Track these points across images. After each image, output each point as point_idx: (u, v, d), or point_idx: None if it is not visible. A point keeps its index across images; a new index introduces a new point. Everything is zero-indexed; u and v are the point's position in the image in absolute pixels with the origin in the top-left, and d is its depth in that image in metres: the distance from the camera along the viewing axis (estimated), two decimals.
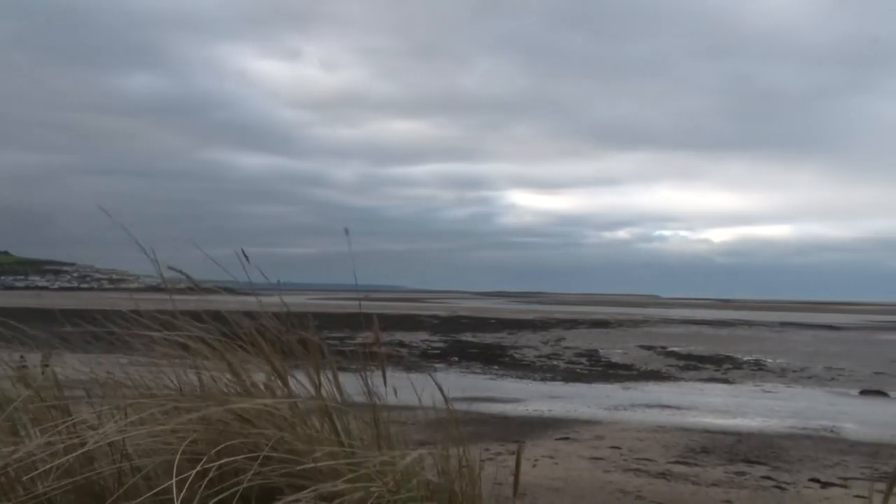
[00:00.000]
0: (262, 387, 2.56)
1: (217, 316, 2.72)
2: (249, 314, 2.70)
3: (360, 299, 3.01)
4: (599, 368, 24.16)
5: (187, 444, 2.22)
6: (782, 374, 23.79)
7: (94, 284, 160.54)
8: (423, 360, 25.09)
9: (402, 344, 30.81)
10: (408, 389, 2.84)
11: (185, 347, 2.62)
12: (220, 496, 2.13)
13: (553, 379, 21.00)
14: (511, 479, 2.68)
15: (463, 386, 18.20)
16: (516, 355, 27.73)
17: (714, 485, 8.19)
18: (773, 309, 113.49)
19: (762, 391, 19.38)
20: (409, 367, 2.94)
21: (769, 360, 27.78)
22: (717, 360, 27.21)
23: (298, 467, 2.20)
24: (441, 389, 2.60)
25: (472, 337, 36.68)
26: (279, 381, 2.55)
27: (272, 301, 2.81)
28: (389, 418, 2.64)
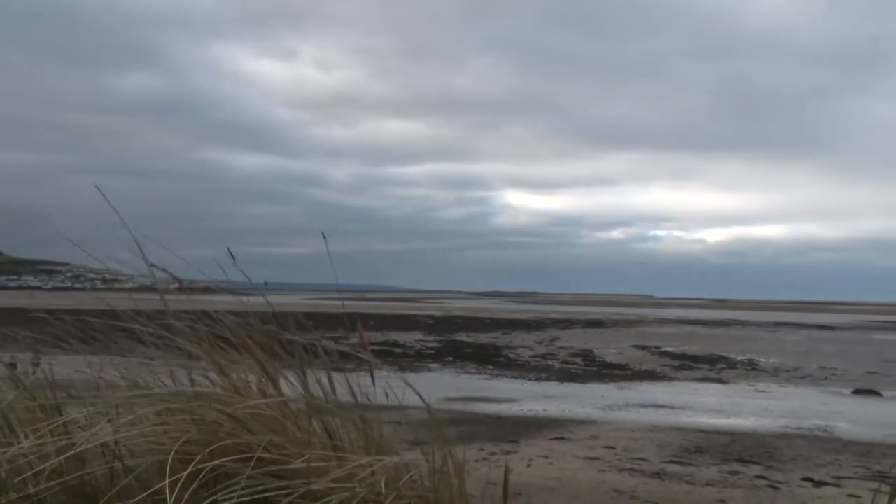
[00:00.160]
0: (253, 388, 2.55)
1: (209, 316, 2.71)
2: (241, 314, 2.69)
3: (341, 299, 3.00)
4: (594, 368, 24.18)
5: (180, 444, 2.22)
6: (776, 373, 23.86)
7: (88, 285, 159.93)
8: (417, 359, 25.08)
9: (397, 344, 30.79)
10: (402, 389, 2.84)
11: (177, 348, 2.61)
12: (213, 497, 2.12)
13: (548, 379, 21.01)
14: (504, 479, 2.68)
15: (457, 386, 18.20)
16: (511, 355, 27.74)
17: (708, 484, 8.21)
18: (767, 309, 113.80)
19: (756, 391, 19.42)
20: (404, 367, 2.92)
21: (763, 360, 27.85)
22: (712, 360, 27.27)
23: (288, 467, 2.20)
24: (419, 393, 2.59)
25: (466, 337, 36.68)
26: (270, 382, 2.54)
27: (263, 301, 2.80)
28: (381, 419, 2.64)
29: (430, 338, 35.35)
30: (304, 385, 2.58)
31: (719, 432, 12.32)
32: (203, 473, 2.11)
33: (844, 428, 13.25)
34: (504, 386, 19.23)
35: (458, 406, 14.14)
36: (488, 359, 26.06)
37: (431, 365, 23.74)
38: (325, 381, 2.62)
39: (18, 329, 2.96)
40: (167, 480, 2.00)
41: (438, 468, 2.51)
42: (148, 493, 2.10)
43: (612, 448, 10.31)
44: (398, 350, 28.36)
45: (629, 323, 55.91)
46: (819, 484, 8.47)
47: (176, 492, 2.00)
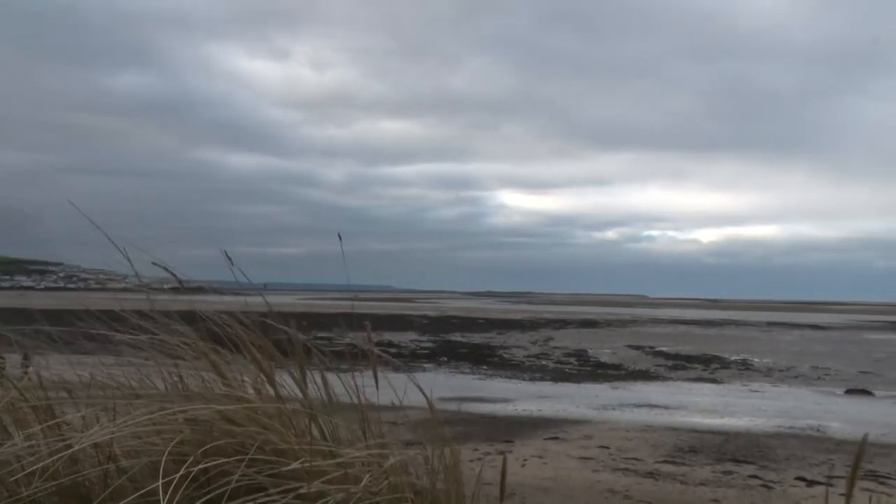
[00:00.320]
0: (248, 388, 2.54)
1: (204, 316, 2.70)
2: (236, 315, 2.68)
3: (352, 300, 2.99)
4: (588, 368, 24.21)
5: (173, 445, 2.21)
6: (769, 373, 23.93)
7: (81, 284, 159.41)
8: (412, 360, 25.07)
9: (391, 344, 30.78)
10: (398, 390, 2.83)
11: (171, 348, 2.60)
12: (207, 497, 2.11)
13: (542, 379, 21.03)
14: (500, 479, 2.67)
15: (452, 386, 18.20)
16: (505, 355, 27.75)
17: (702, 484, 8.23)
18: (760, 309, 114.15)
19: (749, 391, 19.48)
20: (398, 368, 2.92)
21: (756, 360, 27.93)
22: (705, 360, 27.33)
23: (284, 468, 2.19)
24: (423, 392, 2.59)
25: (461, 337, 36.68)
26: (265, 382, 2.53)
27: (259, 301, 2.79)
28: (378, 419, 2.63)
29: (425, 338, 35.34)
30: (300, 385, 2.57)
31: (713, 432, 12.35)
32: (197, 474, 2.11)
33: (837, 427, 13.29)
34: (498, 386, 19.24)
35: (452, 406, 14.14)
36: (483, 359, 26.07)
37: (426, 365, 23.74)
38: (320, 380, 2.61)
39: (11, 329, 2.94)
40: (160, 481, 1.99)
41: (436, 468, 2.51)
42: (141, 493, 2.09)
43: (607, 448, 10.32)
44: (393, 350, 28.35)
45: (623, 323, 56.00)
46: (812, 483, 8.50)
47: (169, 492, 1.99)
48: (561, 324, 51.52)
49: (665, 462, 9.50)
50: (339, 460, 2.27)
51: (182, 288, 2.75)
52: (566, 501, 7.16)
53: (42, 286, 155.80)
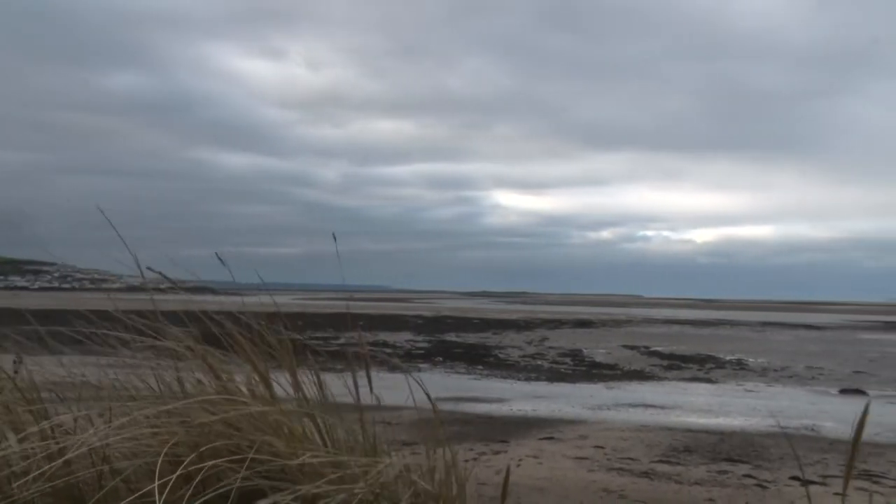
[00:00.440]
0: (244, 388, 2.54)
1: (199, 317, 2.69)
2: (231, 315, 2.67)
3: (347, 299, 2.98)
4: (583, 368, 24.23)
5: (169, 446, 2.20)
6: (764, 373, 23.99)
7: (76, 285, 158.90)
8: (407, 360, 25.05)
9: (386, 344, 30.75)
10: (393, 390, 2.83)
11: (165, 349, 2.59)
12: (203, 499, 2.11)
13: (537, 379, 21.04)
14: (495, 478, 2.67)
15: (447, 386, 18.19)
16: (500, 355, 27.76)
17: (697, 483, 8.24)
18: (754, 309, 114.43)
19: (744, 390, 19.52)
20: (394, 368, 2.91)
21: (751, 360, 28.00)
22: (700, 360, 27.39)
23: (281, 463, 2.18)
24: (426, 391, 2.58)
25: (456, 337, 36.67)
26: (261, 383, 2.53)
27: (255, 301, 2.79)
28: (374, 419, 2.62)
29: (420, 338, 35.32)
30: (296, 385, 2.56)
31: (708, 432, 12.37)
32: (192, 475, 2.10)
33: (831, 427, 13.33)
34: (494, 386, 19.24)
35: (448, 406, 14.14)
36: (478, 359, 26.07)
37: (421, 365, 23.73)
38: (316, 381, 2.61)
39: (3, 330, 2.93)
40: (156, 483, 1.98)
41: (437, 469, 2.50)
42: (136, 495, 2.08)
43: (602, 448, 10.33)
44: (388, 350, 28.32)
45: (618, 323, 56.07)
46: (806, 483, 8.52)
47: (165, 494, 1.98)
48: (556, 324, 51.55)
49: (660, 462, 9.51)
50: (336, 460, 2.26)
51: (177, 288, 2.74)
52: (561, 501, 7.16)
53: (36, 286, 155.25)
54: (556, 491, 7.53)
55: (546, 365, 24.96)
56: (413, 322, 48.84)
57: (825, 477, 8.86)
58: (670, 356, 28.70)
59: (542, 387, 19.19)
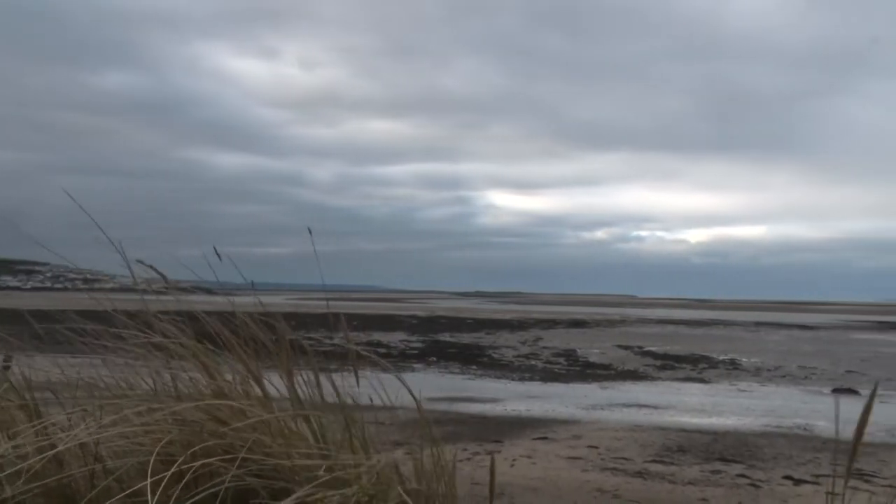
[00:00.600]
0: (237, 387, 2.53)
1: (192, 316, 2.68)
2: (225, 315, 2.66)
3: (326, 299, 2.98)
4: (577, 368, 24.26)
5: (162, 445, 2.20)
6: (757, 373, 24.06)
7: (68, 285, 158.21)
8: (401, 360, 25.04)
9: (380, 344, 30.73)
10: (387, 389, 2.83)
11: (159, 348, 2.59)
12: (195, 498, 2.10)
13: (531, 379, 21.06)
14: (489, 478, 2.67)
15: (441, 386, 18.19)
16: (494, 355, 27.77)
17: (690, 483, 8.26)
18: (748, 309, 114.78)
19: (737, 390, 19.58)
20: (387, 368, 2.91)
21: (744, 360, 28.08)
22: (694, 360, 27.45)
23: (273, 461, 2.18)
24: (410, 391, 2.58)
25: (450, 337, 36.67)
26: (253, 382, 2.53)
27: (248, 301, 2.78)
28: (367, 419, 2.62)
29: (414, 338, 35.31)
30: (289, 385, 2.56)
31: (701, 431, 12.40)
32: (185, 474, 2.09)
33: (824, 426, 13.38)
34: (487, 386, 19.24)
35: (441, 406, 14.14)
36: (472, 359, 26.07)
37: (415, 365, 23.72)
38: (309, 381, 2.61)
39: None
40: (148, 481, 1.98)
41: (426, 468, 2.50)
42: (127, 493, 2.08)
43: (595, 447, 10.35)
44: (381, 350, 28.29)
45: (612, 323, 56.15)
46: (799, 482, 8.55)
47: (158, 493, 1.98)
48: (550, 324, 51.59)
49: (654, 461, 9.53)
50: (330, 462, 2.26)
51: (171, 288, 2.74)
52: (555, 501, 7.17)
53: (29, 286, 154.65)
54: (549, 491, 7.54)
55: (540, 365, 24.98)
56: (407, 322, 48.81)
57: (818, 476, 8.90)
58: (664, 356, 28.76)
59: (536, 387, 19.21)
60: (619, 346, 33.09)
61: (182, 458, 2.09)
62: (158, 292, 2.74)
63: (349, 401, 2.63)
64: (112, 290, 3.09)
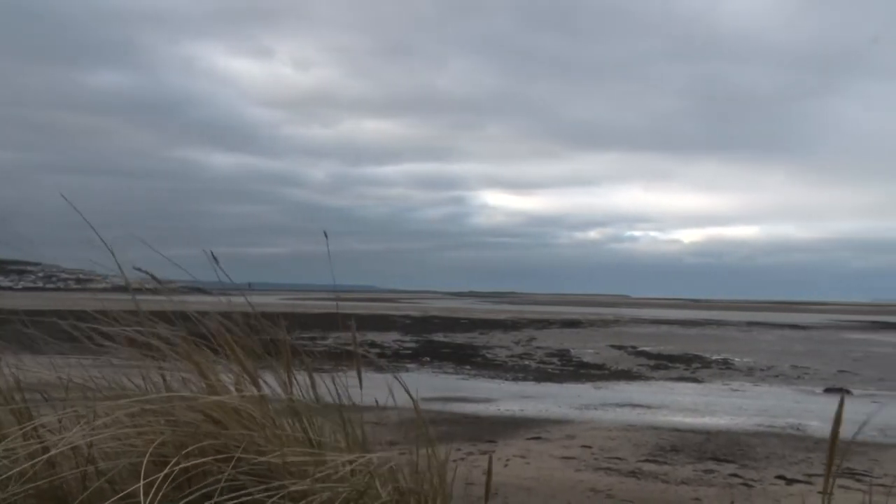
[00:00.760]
0: (231, 388, 2.52)
1: (186, 317, 2.67)
2: (219, 315, 2.65)
3: (335, 300, 2.98)
4: (571, 368, 24.28)
5: (155, 446, 2.19)
6: (750, 372, 24.13)
7: (61, 285, 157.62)
8: (395, 360, 25.02)
9: (374, 344, 30.70)
10: (381, 389, 2.83)
11: (152, 349, 2.57)
12: (188, 498, 2.09)
13: (524, 379, 21.07)
14: (483, 478, 2.67)
15: (435, 386, 18.19)
16: (488, 355, 27.78)
17: (683, 483, 8.28)
18: (741, 309, 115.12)
19: (730, 390, 19.63)
20: (381, 368, 2.90)
21: (737, 360, 28.16)
22: (687, 360, 27.52)
23: (265, 458, 2.17)
24: (409, 392, 2.58)
25: (443, 337, 36.66)
26: (249, 382, 2.52)
27: (242, 301, 2.77)
28: (361, 419, 2.62)
29: (408, 338, 35.30)
30: (284, 385, 2.55)
31: (694, 431, 12.43)
32: (178, 475, 2.09)
33: (816, 426, 13.43)
34: (481, 386, 19.25)
35: (435, 406, 14.13)
36: (466, 359, 26.07)
37: (409, 365, 23.71)
38: (304, 380, 2.60)
39: None
40: (141, 482, 1.97)
41: (420, 467, 2.50)
42: (120, 495, 2.07)
43: (589, 447, 10.37)
44: (375, 350, 28.27)
45: (605, 323, 56.24)
46: (791, 482, 8.58)
47: (151, 494, 1.97)
48: (544, 324, 51.64)
49: (647, 461, 9.55)
50: (323, 459, 2.26)
51: (165, 288, 2.72)
52: (549, 501, 7.18)
53: (20, 286, 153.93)
54: (543, 491, 7.55)
55: (534, 365, 25.00)
56: (401, 322, 48.79)
57: (810, 476, 8.93)
58: (657, 356, 28.82)
59: (530, 387, 19.22)
60: (613, 346, 33.13)
61: (175, 459, 2.09)
62: (151, 292, 2.72)
63: (344, 401, 2.62)
64: (105, 290, 3.08)
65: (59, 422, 2.48)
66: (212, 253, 2.66)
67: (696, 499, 7.52)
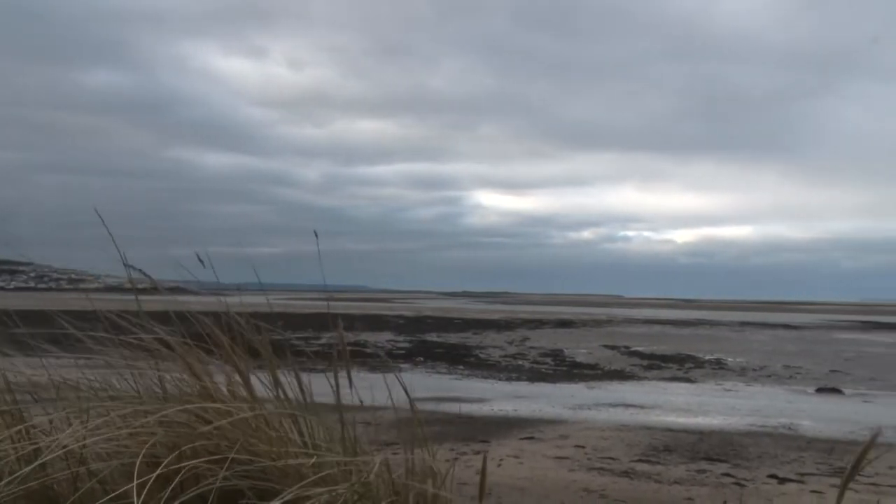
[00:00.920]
0: (224, 389, 2.52)
1: (179, 317, 2.66)
2: (212, 315, 2.64)
3: (327, 299, 2.97)
4: (564, 368, 24.31)
5: (147, 447, 2.18)
6: (742, 372, 24.21)
7: (53, 285, 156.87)
8: (388, 360, 25.00)
9: (367, 344, 30.68)
10: (374, 390, 2.82)
11: (145, 349, 2.56)
12: (181, 500, 2.09)
13: (518, 379, 21.08)
14: (476, 478, 2.67)
15: (428, 386, 18.18)
16: (481, 355, 27.79)
17: (676, 482, 8.30)
18: (734, 309, 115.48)
19: (723, 390, 19.69)
20: (374, 368, 2.90)
21: (730, 359, 28.25)
22: (680, 360, 27.58)
23: (260, 463, 2.16)
24: (406, 390, 2.57)
25: (437, 337, 36.65)
26: (242, 383, 2.51)
27: (235, 302, 2.76)
28: (355, 419, 2.61)
29: (401, 338, 35.28)
30: (277, 386, 2.54)
31: (687, 431, 12.46)
32: (171, 476, 2.08)
33: (808, 426, 13.49)
34: (475, 386, 19.25)
35: (428, 406, 14.12)
36: (459, 359, 26.08)
37: (402, 365, 23.69)
38: (297, 381, 2.59)
39: None
40: (134, 483, 1.96)
41: (418, 469, 2.50)
42: (112, 496, 2.06)
43: (582, 447, 10.38)
44: (368, 350, 28.25)
45: (599, 323, 56.33)
46: (783, 481, 8.61)
47: (143, 495, 1.96)
48: (537, 324, 51.69)
49: (640, 461, 9.57)
50: (318, 461, 2.25)
51: (158, 288, 2.71)
52: (542, 501, 7.18)
53: (12, 286, 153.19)
54: (536, 491, 7.55)
55: (527, 365, 25.02)
56: (394, 322, 48.77)
57: (802, 475, 8.97)
58: (650, 356, 28.89)
59: (523, 387, 19.23)
60: (606, 346, 33.19)
61: (168, 459, 2.08)
62: (145, 291, 2.72)
63: (338, 401, 2.62)
64: (97, 289, 3.06)
65: (51, 423, 2.47)
66: (197, 255, 2.65)
67: (689, 498, 7.54)
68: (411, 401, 2.56)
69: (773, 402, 17.21)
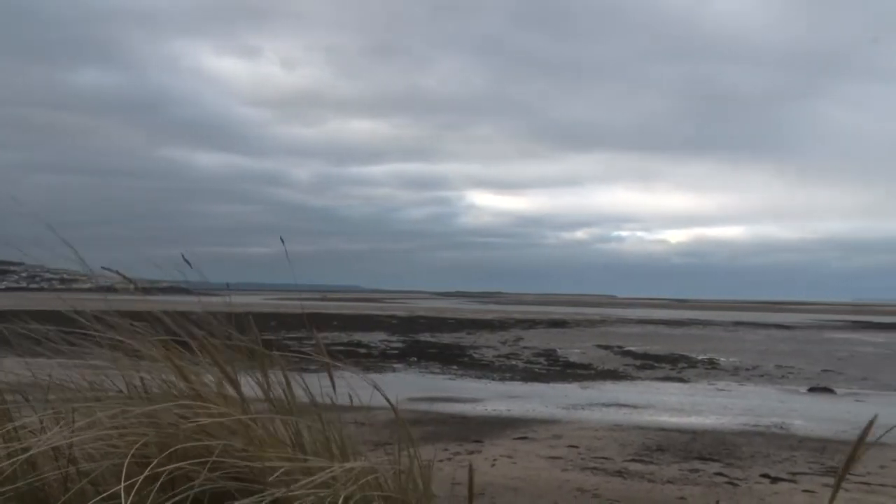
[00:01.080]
0: (213, 389, 2.50)
1: (168, 317, 2.65)
2: (200, 315, 2.63)
3: (301, 300, 2.96)
4: (557, 368, 24.34)
5: (137, 448, 2.17)
6: (735, 372, 24.28)
7: (44, 285, 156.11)
8: (381, 360, 24.98)
9: (360, 344, 30.65)
10: (366, 390, 2.82)
11: (133, 350, 2.55)
12: (171, 501, 2.08)
13: (511, 378, 21.10)
14: (469, 479, 2.67)
15: (422, 386, 18.18)
16: (475, 355, 27.79)
17: (669, 482, 8.32)
18: (726, 309, 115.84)
19: (716, 389, 19.75)
20: (367, 368, 2.89)
21: (723, 359, 28.33)
22: (673, 360, 27.65)
23: (248, 463, 2.16)
24: (384, 395, 2.56)
25: (430, 337, 36.65)
26: (230, 385, 2.50)
27: (224, 302, 2.75)
28: (345, 420, 2.61)
29: (394, 338, 35.26)
30: (266, 387, 2.54)
31: (680, 431, 12.49)
32: (160, 477, 2.07)
33: (800, 425, 13.53)
34: (468, 386, 19.25)
35: (422, 406, 14.12)
36: (452, 359, 26.07)
37: (395, 365, 23.68)
38: (286, 382, 2.58)
39: None
40: (122, 484, 1.95)
41: (404, 469, 2.49)
42: (102, 496, 2.05)
43: (576, 447, 10.39)
44: (362, 350, 28.23)
45: (592, 323, 56.42)
46: (776, 480, 8.64)
47: (132, 495, 1.95)
48: (530, 324, 51.73)
49: (633, 461, 9.58)
50: (306, 464, 2.24)
51: (147, 288, 2.70)
52: (535, 501, 7.19)
53: (3, 286, 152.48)
54: (530, 490, 7.56)
55: (520, 365, 25.04)
56: (387, 322, 48.73)
57: (794, 474, 9.00)
58: (643, 356, 28.95)
59: (517, 387, 19.25)
60: (599, 346, 33.25)
61: (157, 460, 2.07)
62: (133, 291, 2.70)
63: (327, 401, 2.61)
64: (89, 290, 3.05)
65: (41, 423, 2.46)
66: (182, 255, 2.64)
67: (682, 497, 7.55)
68: (393, 405, 2.55)
69: (766, 402, 17.26)
